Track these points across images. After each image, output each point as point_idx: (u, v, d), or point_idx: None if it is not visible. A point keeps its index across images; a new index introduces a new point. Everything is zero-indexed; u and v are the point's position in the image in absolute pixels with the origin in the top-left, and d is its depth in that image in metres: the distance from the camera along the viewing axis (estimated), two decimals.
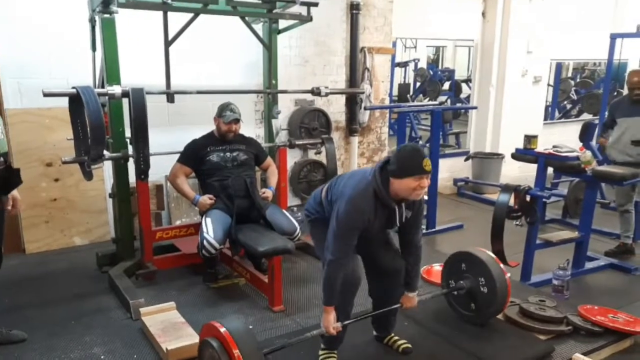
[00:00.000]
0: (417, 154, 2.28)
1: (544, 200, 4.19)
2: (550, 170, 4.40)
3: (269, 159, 4.05)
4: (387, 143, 6.13)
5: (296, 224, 3.62)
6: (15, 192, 2.79)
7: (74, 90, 3.08)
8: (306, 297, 3.51)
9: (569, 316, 3.01)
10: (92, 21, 3.74)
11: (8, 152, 2.73)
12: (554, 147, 4.15)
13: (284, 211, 3.78)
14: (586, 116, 8.91)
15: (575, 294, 3.67)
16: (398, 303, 2.68)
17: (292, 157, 5.32)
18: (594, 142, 6.04)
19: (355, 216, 2.33)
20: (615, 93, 8.24)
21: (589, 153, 3.97)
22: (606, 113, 6.79)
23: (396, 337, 2.79)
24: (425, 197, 5.20)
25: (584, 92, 9.56)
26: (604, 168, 4.07)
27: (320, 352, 2.66)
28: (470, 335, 2.92)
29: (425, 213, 5.17)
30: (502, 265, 2.93)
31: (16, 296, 3.46)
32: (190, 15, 3.57)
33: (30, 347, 2.86)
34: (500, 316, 3.09)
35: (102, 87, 3.55)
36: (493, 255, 2.97)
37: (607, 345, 2.87)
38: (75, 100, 3.14)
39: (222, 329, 2.16)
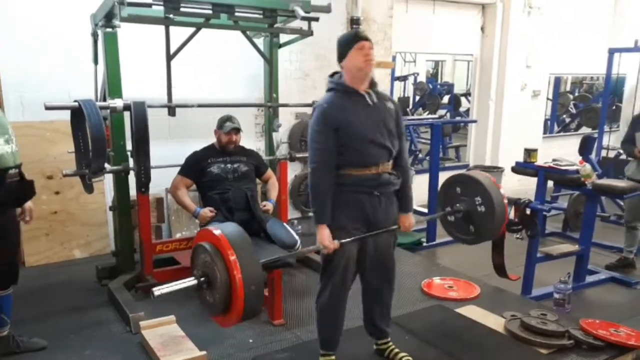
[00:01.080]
0: (350, 31, 2.44)
1: (544, 213, 4.20)
2: (550, 183, 4.42)
3: (269, 171, 4.06)
4: None
5: (296, 236, 3.61)
6: (29, 202, 2.83)
7: (76, 104, 3.11)
8: (306, 310, 3.48)
9: (571, 330, 2.99)
10: (94, 35, 3.78)
11: (21, 164, 2.76)
12: (553, 160, 4.17)
13: (285, 224, 3.77)
14: (585, 130, 8.97)
15: (576, 308, 3.66)
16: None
17: (293, 170, 5.34)
18: (592, 156, 6.07)
19: (325, 116, 2.41)
20: (614, 107, 8.30)
21: (588, 166, 4.00)
22: (605, 127, 6.89)
23: (397, 350, 2.77)
24: (425, 210, 5.21)
25: (582, 106, 9.62)
26: (604, 181, 4.08)
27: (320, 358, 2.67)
28: (472, 349, 2.90)
29: (425, 226, 5.18)
30: (501, 188, 2.86)
31: (16, 309, 3.41)
32: (192, 29, 3.61)
33: None
34: (502, 330, 3.08)
35: (104, 100, 3.58)
36: (488, 175, 2.90)
37: (609, 359, 2.84)
38: (77, 114, 3.16)
39: (217, 232, 2.08)
